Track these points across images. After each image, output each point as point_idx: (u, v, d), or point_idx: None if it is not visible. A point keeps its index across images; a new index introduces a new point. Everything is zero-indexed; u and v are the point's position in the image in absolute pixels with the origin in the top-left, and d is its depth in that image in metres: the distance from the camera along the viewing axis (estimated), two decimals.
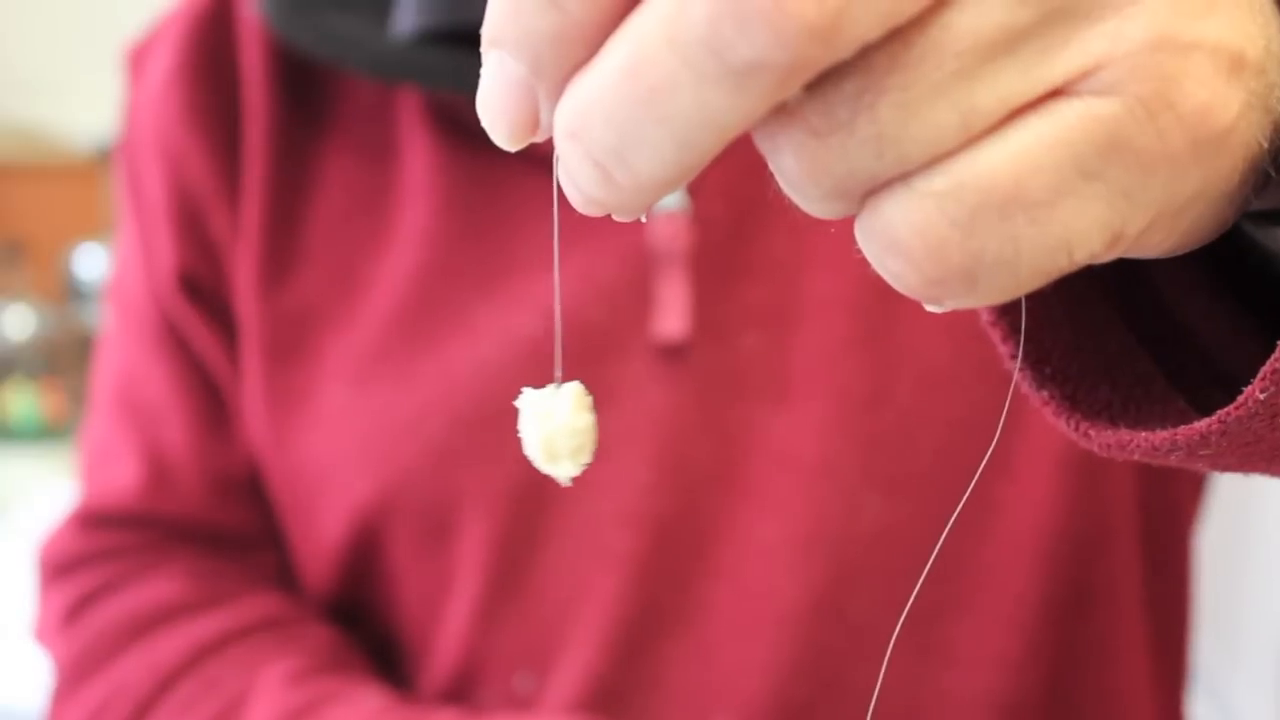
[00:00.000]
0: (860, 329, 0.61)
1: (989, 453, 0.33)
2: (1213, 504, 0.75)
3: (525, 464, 0.29)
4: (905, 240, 0.24)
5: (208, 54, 0.68)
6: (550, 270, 0.62)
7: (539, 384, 0.64)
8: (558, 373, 0.29)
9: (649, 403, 0.62)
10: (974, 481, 0.34)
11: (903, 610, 0.61)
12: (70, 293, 2.32)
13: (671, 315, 0.61)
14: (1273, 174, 0.27)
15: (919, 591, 0.61)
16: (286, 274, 0.67)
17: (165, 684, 0.64)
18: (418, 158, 0.65)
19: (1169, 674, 0.69)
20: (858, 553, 0.61)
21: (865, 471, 0.61)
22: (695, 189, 0.62)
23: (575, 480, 0.28)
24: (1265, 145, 0.26)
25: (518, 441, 0.68)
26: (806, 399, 0.61)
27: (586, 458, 0.28)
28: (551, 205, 0.26)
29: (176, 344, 0.70)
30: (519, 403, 0.28)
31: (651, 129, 0.23)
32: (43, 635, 0.70)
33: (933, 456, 0.61)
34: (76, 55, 2.39)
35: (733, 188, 0.62)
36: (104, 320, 0.76)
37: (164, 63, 0.69)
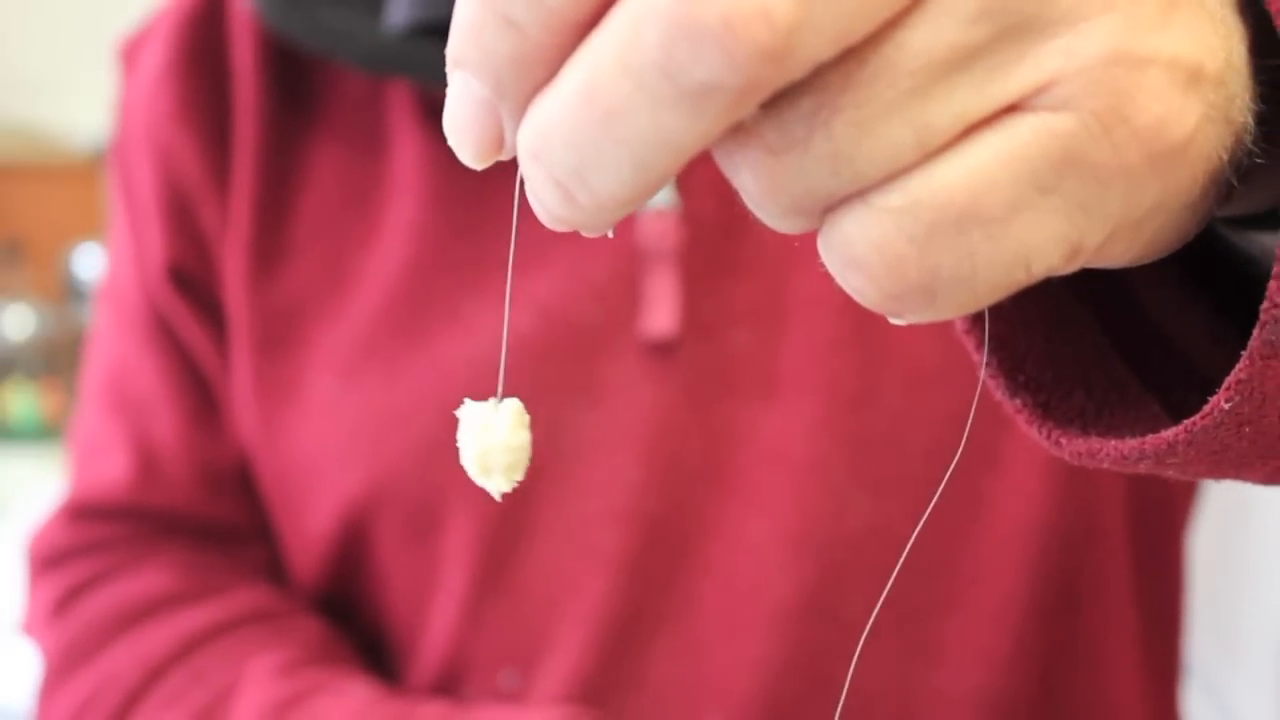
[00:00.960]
0: (849, 327, 0.61)
1: (961, 449, 0.33)
2: (1210, 500, 0.75)
3: None
4: (863, 256, 0.24)
5: (199, 48, 0.68)
6: (539, 266, 0.62)
7: (528, 378, 0.64)
8: (500, 388, 0.29)
9: (638, 400, 0.62)
10: (948, 474, 0.33)
11: (892, 608, 0.61)
12: (70, 292, 2.33)
13: (661, 313, 0.61)
14: (1235, 184, 0.27)
15: (907, 589, 0.61)
16: (276, 267, 0.67)
17: (154, 675, 0.64)
18: (408, 151, 0.65)
19: (1161, 671, 0.69)
20: (846, 551, 0.61)
21: (854, 470, 0.61)
22: (685, 187, 0.62)
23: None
24: (1226, 157, 0.26)
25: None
26: (795, 397, 0.61)
27: (519, 475, 0.29)
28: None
29: (166, 337, 0.70)
30: (459, 413, 0.29)
31: (609, 150, 0.23)
32: (31, 627, 0.70)
33: (921, 455, 0.61)
34: (76, 55, 2.39)
35: (722, 186, 0.61)
36: (95, 313, 0.76)
37: (156, 58, 0.69)
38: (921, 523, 0.33)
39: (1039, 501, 0.61)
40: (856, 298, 0.25)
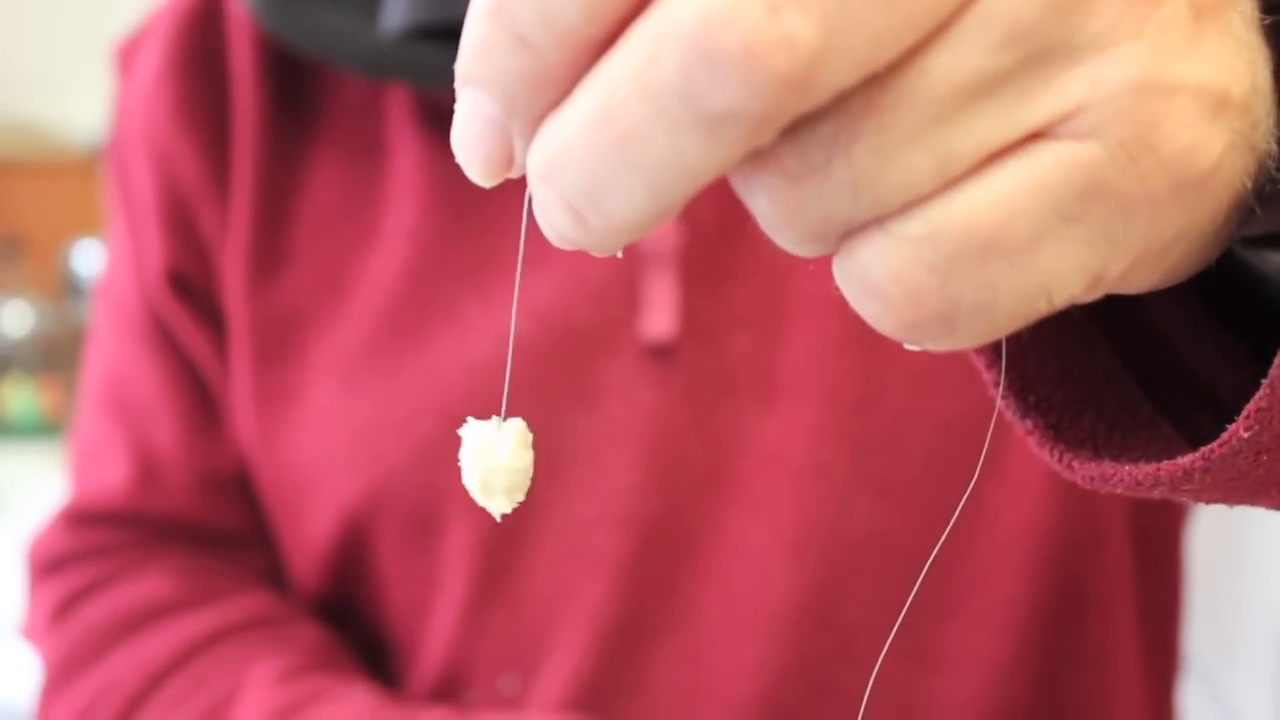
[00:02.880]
0: (849, 331, 0.60)
1: (975, 474, 0.32)
2: None
3: None
4: (882, 285, 0.24)
5: (197, 51, 0.68)
6: (538, 269, 0.62)
7: (527, 383, 0.64)
8: (504, 407, 0.29)
9: (637, 403, 0.61)
10: (964, 497, 0.33)
11: (892, 613, 0.61)
12: (68, 289, 2.33)
13: (660, 315, 0.61)
14: (1258, 210, 0.26)
15: (907, 594, 0.61)
16: (275, 272, 0.66)
17: (154, 682, 0.64)
18: (406, 155, 0.65)
19: (1161, 672, 0.69)
20: (847, 555, 0.61)
21: (854, 474, 0.61)
22: None
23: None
24: (1249, 183, 0.26)
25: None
26: (795, 401, 0.61)
27: (521, 496, 0.29)
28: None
29: (165, 342, 0.70)
30: (462, 432, 0.29)
31: (624, 175, 0.23)
32: (31, 633, 0.70)
33: (922, 459, 0.61)
34: (75, 52, 2.39)
35: (722, 189, 0.61)
36: (92, 318, 0.76)
37: (153, 60, 0.69)
38: (940, 542, 0.33)
39: (1040, 505, 0.61)
40: (873, 324, 0.25)
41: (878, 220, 0.24)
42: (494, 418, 0.29)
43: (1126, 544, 0.65)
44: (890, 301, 0.24)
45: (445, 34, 0.61)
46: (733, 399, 0.61)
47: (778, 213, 0.24)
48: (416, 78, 0.62)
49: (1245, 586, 1.32)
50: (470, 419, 0.29)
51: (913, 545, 0.60)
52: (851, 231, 0.24)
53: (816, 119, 0.23)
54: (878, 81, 0.23)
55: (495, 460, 0.28)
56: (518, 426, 0.29)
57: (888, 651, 0.61)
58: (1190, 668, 0.83)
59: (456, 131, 0.25)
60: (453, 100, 0.69)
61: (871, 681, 0.41)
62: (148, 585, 0.68)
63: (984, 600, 0.62)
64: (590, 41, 0.23)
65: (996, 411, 0.32)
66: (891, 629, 0.61)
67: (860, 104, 0.23)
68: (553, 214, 0.24)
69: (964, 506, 0.60)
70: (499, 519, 0.29)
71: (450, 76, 0.66)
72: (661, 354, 0.62)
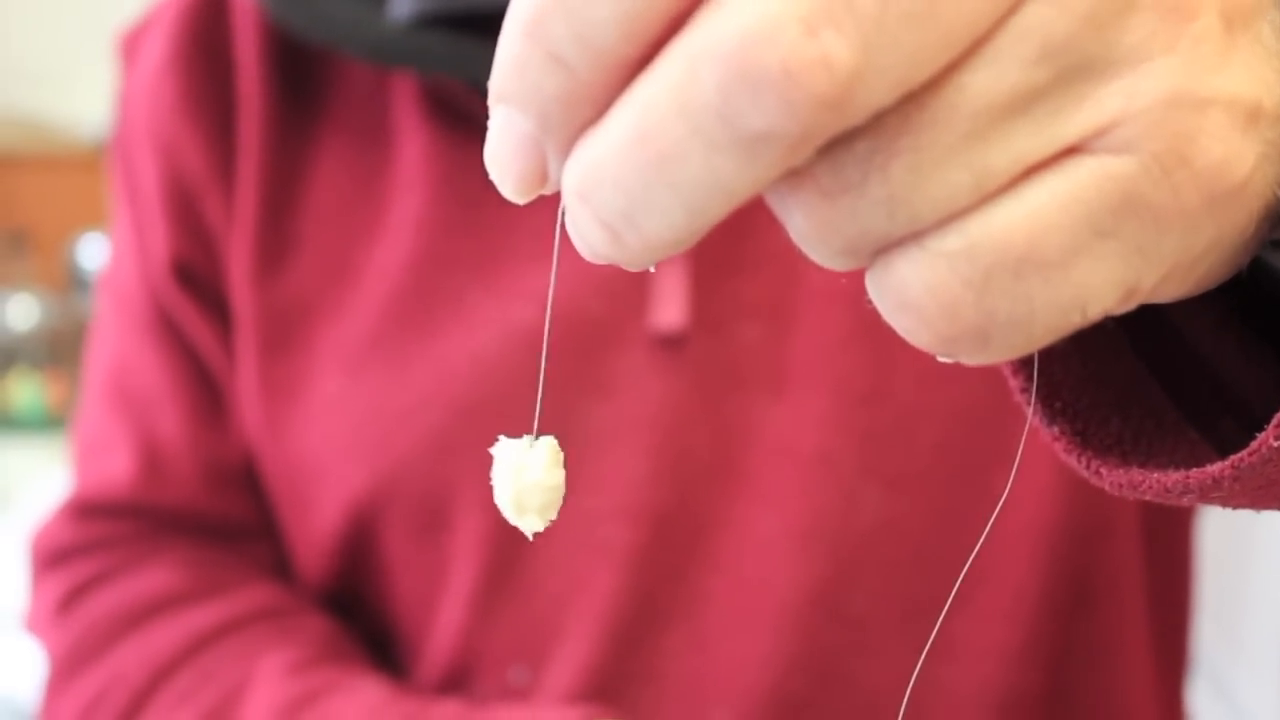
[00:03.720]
0: (859, 322, 0.60)
1: (1010, 481, 0.32)
2: None
3: None
4: (918, 299, 0.24)
5: (201, 41, 0.68)
6: (548, 261, 0.62)
7: (534, 374, 0.63)
8: (535, 424, 0.29)
9: (646, 394, 0.61)
10: (998, 508, 0.33)
11: (902, 603, 0.61)
12: (74, 282, 2.33)
13: (669, 306, 0.61)
14: None
15: (918, 585, 0.61)
16: (281, 262, 0.66)
17: (162, 674, 0.64)
18: (413, 144, 0.65)
19: (1170, 666, 0.69)
20: (856, 546, 0.61)
21: (864, 464, 0.61)
22: None
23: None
24: (1279, 193, 0.26)
25: (513, 432, 0.67)
26: (805, 392, 0.61)
27: (553, 514, 0.28)
28: (547, 198, 0.26)
29: (170, 333, 0.69)
30: (494, 451, 0.28)
31: (661, 194, 0.23)
32: (35, 626, 0.70)
33: (931, 450, 0.61)
34: (80, 45, 2.39)
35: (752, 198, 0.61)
36: (97, 309, 0.76)
37: (157, 50, 0.68)
38: (976, 549, 0.33)
39: (1051, 498, 0.61)
40: (907, 338, 0.25)
41: (914, 235, 0.24)
42: (525, 436, 0.29)
43: (1136, 537, 0.65)
44: (926, 316, 0.24)
45: (452, 22, 0.61)
46: (742, 390, 0.61)
47: (813, 229, 0.24)
48: (423, 66, 0.62)
49: (1252, 586, 1.32)
50: (502, 437, 0.28)
51: (921, 536, 0.60)
52: (887, 247, 0.24)
53: (853, 137, 0.23)
54: (914, 99, 0.23)
55: (529, 478, 0.28)
56: (550, 444, 0.28)
57: (897, 643, 0.61)
58: (1198, 666, 0.83)
59: (490, 148, 0.25)
60: (460, 90, 0.68)
61: (913, 679, 0.40)
62: (153, 577, 0.68)
63: (994, 591, 0.62)
64: (626, 61, 0.23)
65: (1030, 418, 0.32)
66: (902, 619, 0.61)
67: (896, 122, 0.23)
68: (588, 232, 0.24)
69: (973, 496, 0.60)
70: (530, 537, 0.28)
71: (457, 65, 0.66)
72: (671, 345, 0.61)
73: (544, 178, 0.25)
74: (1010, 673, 0.62)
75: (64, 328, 2.20)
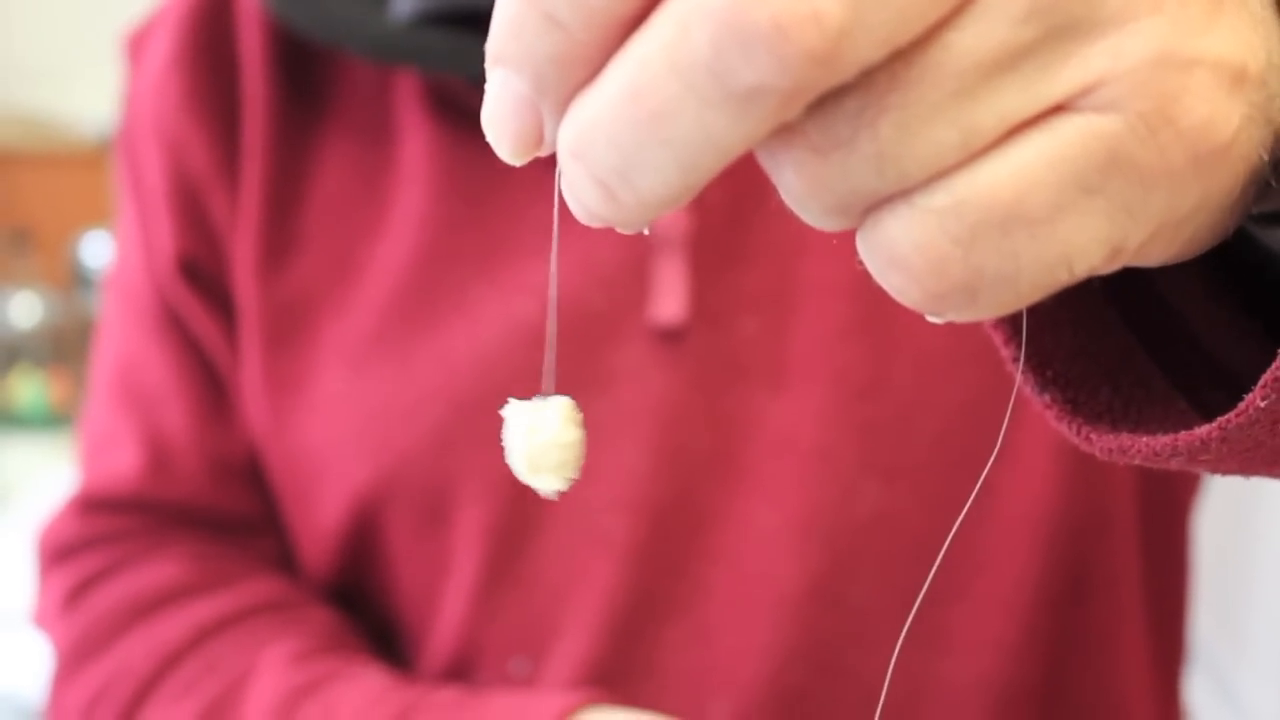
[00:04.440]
0: (858, 314, 0.61)
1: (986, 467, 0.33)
2: (1216, 486, 0.75)
3: None
4: (906, 256, 0.24)
5: (206, 40, 0.68)
6: (548, 253, 0.62)
7: (537, 368, 0.64)
8: (546, 384, 0.29)
9: (646, 387, 0.62)
10: (979, 483, 0.33)
11: (900, 595, 0.61)
12: (77, 280, 2.33)
13: (669, 300, 0.61)
14: (1273, 183, 0.27)
15: (915, 577, 0.61)
16: (285, 259, 0.67)
17: (167, 664, 0.65)
18: (416, 141, 0.65)
19: (1167, 658, 0.69)
20: (855, 538, 0.61)
21: (863, 457, 0.61)
22: None
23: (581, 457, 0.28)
24: (1265, 156, 0.26)
25: None
26: (804, 384, 0.61)
27: (572, 473, 0.28)
28: (550, 193, 0.26)
29: (176, 329, 0.70)
30: (505, 412, 0.28)
31: (654, 151, 0.23)
32: (43, 619, 0.70)
33: (930, 442, 0.61)
34: (83, 43, 2.39)
35: (732, 172, 0.62)
36: (103, 306, 0.76)
37: (163, 49, 0.69)
38: (954, 528, 0.33)
39: (1049, 489, 0.61)
40: (897, 296, 0.25)
41: (902, 193, 0.24)
42: (535, 396, 0.28)
43: (1133, 529, 0.65)
44: (915, 272, 0.24)
45: (453, 20, 0.61)
46: (742, 383, 0.62)
47: (804, 186, 0.24)
48: (425, 64, 0.62)
49: (1252, 580, 1.32)
50: (511, 399, 0.29)
51: (920, 528, 0.61)
52: (876, 205, 0.24)
53: (842, 94, 0.23)
54: (902, 57, 0.23)
55: (542, 436, 0.28)
56: (564, 401, 0.28)
57: (896, 634, 0.61)
58: (1197, 661, 0.83)
59: (487, 110, 0.26)
60: (462, 87, 0.69)
61: (891, 667, 0.41)
62: (159, 571, 0.68)
63: (991, 583, 0.62)
64: (620, 20, 0.23)
65: (1015, 390, 0.33)
66: (900, 611, 0.61)
67: (885, 79, 0.23)
68: (583, 190, 0.24)
69: (973, 490, 0.61)
70: (554, 497, 0.28)
71: (459, 63, 0.66)
72: (671, 338, 0.62)
73: (540, 138, 0.25)
74: (1007, 664, 0.62)
75: (67, 325, 2.20)
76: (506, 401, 0.28)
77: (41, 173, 2.44)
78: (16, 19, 2.49)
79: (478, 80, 0.26)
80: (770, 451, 0.61)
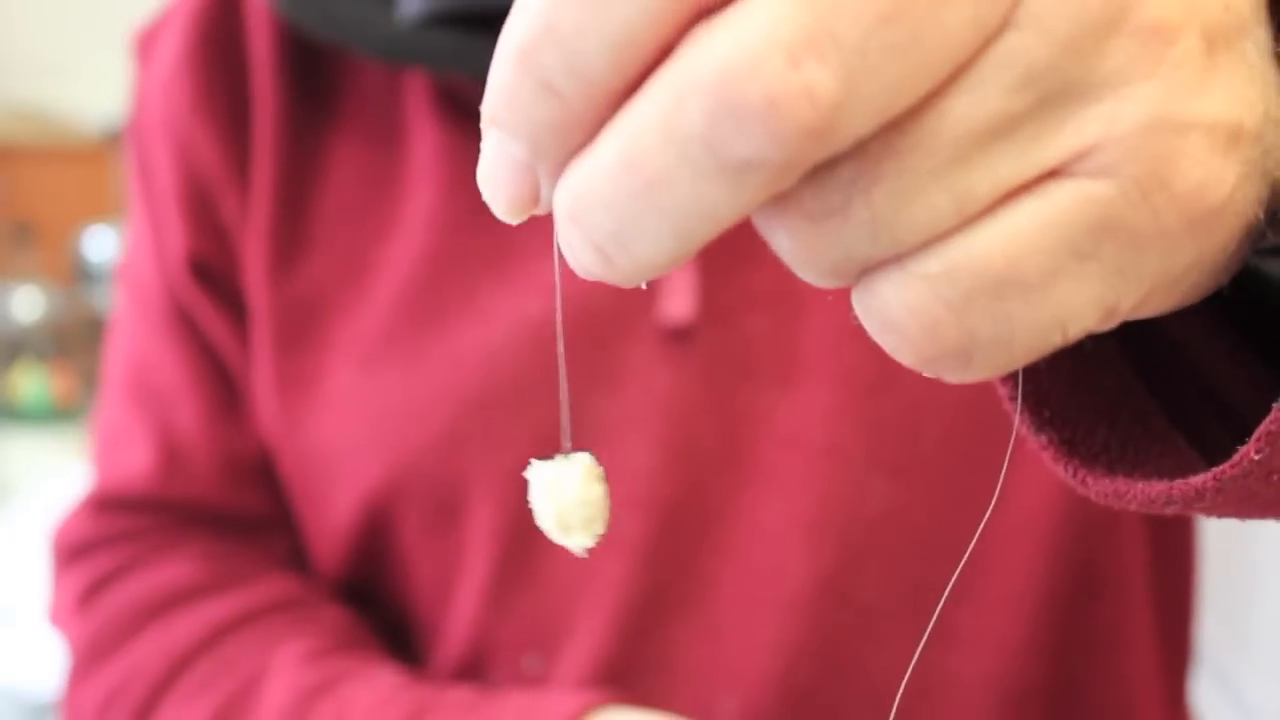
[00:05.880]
0: None
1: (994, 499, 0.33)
2: None
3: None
4: (900, 320, 0.24)
5: (216, 39, 0.68)
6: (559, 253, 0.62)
7: (547, 367, 0.64)
8: (565, 444, 0.29)
9: (655, 385, 0.62)
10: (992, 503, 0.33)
11: (908, 592, 0.62)
12: (79, 274, 2.33)
13: (678, 298, 0.62)
14: (1269, 234, 0.27)
15: (923, 574, 0.61)
16: (296, 259, 0.67)
17: (181, 664, 0.65)
18: (425, 142, 0.65)
19: (1174, 658, 0.70)
20: (863, 535, 0.61)
21: (871, 455, 0.61)
22: None
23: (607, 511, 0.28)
24: (1261, 214, 0.26)
25: (526, 425, 0.67)
26: (813, 382, 0.61)
27: (600, 528, 0.28)
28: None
29: (188, 328, 0.70)
30: (528, 474, 0.29)
31: (649, 219, 0.23)
32: (57, 618, 0.71)
33: (938, 439, 0.61)
34: (84, 37, 2.39)
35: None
36: (115, 305, 0.76)
37: (172, 48, 0.69)
38: (978, 533, 0.33)
39: (1056, 490, 0.61)
40: (893, 356, 0.25)
41: (896, 258, 0.24)
42: (558, 455, 0.29)
43: (1139, 529, 0.65)
44: (908, 336, 0.25)
45: (461, 21, 0.61)
46: (751, 381, 0.62)
47: (799, 252, 0.25)
48: (434, 64, 0.62)
49: (1258, 584, 1.32)
50: (533, 460, 0.29)
51: (928, 525, 0.61)
52: (870, 268, 0.25)
53: (836, 162, 0.23)
54: (896, 126, 0.23)
55: (565, 496, 0.28)
56: (585, 460, 0.28)
57: (905, 631, 0.62)
58: (1203, 663, 0.83)
59: (483, 170, 0.26)
60: (471, 87, 0.69)
61: (911, 667, 0.41)
62: (173, 570, 0.68)
63: (999, 581, 0.62)
64: (615, 90, 0.23)
65: (1015, 431, 0.33)
66: (909, 608, 0.61)
67: (879, 148, 0.23)
68: (579, 252, 0.25)
69: (979, 487, 0.61)
70: (583, 555, 0.28)
71: (468, 63, 0.66)
72: (680, 336, 0.62)
73: (536, 199, 0.26)
74: (1015, 662, 0.63)
75: (69, 320, 2.20)
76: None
77: (44, 167, 2.44)
78: (19, 14, 2.49)
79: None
80: (779, 449, 0.62)
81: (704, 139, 0.22)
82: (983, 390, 0.61)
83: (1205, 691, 1.06)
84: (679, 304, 0.62)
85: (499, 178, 0.26)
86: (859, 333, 0.63)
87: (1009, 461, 0.61)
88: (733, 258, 0.62)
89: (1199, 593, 0.72)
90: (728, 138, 0.22)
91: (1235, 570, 1.32)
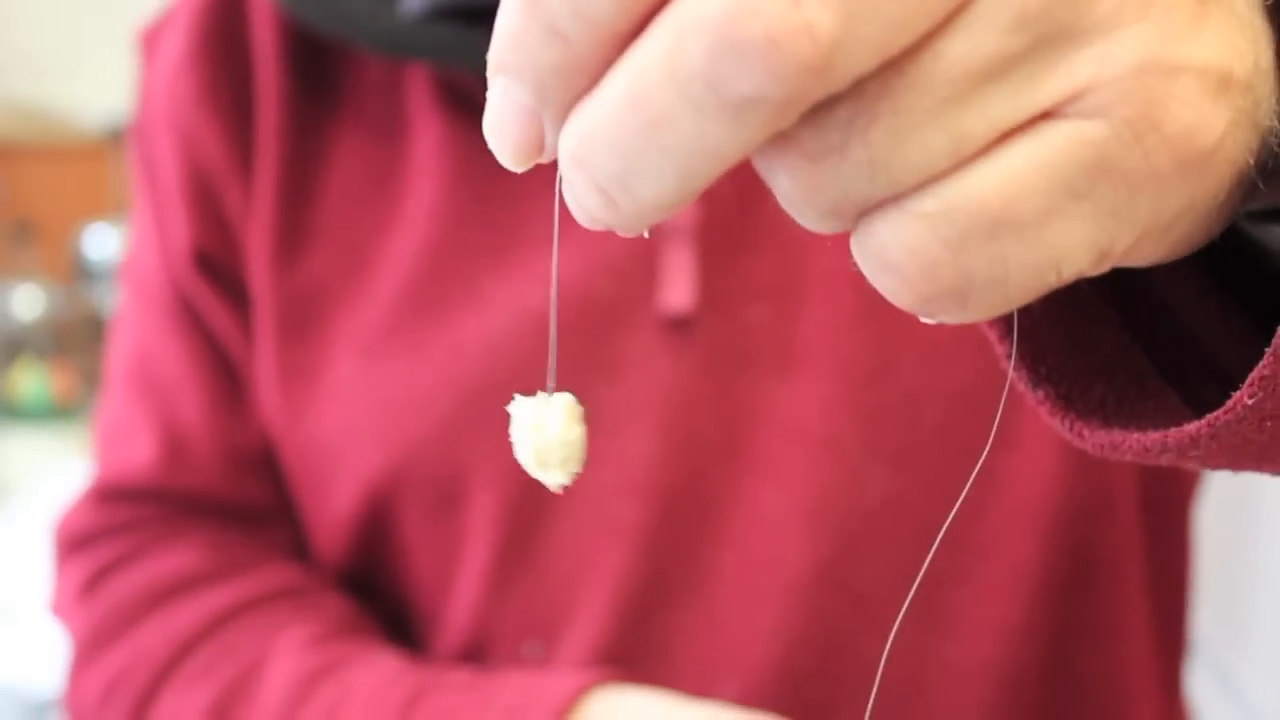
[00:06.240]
0: (865, 303, 0.61)
1: (990, 440, 0.33)
2: (1217, 478, 0.75)
3: None
4: (898, 260, 0.25)
5: (220, 34, 0.69)
6: (561, 243, 0.63)
7: (547, 357, 0.64)
8: (550, 382, 0.30)
9: (655, 375, 0.62)
10: (979, 464, 0.34)
11: (904, 578, 0.62)
12: (79, 273, 2.33)
13: (677, 288, 0.62)
14: (1261, 185, 0.27)
15: (919, 561, 0.62)
16: (299, 251, 0.67)
17: (183, 650, 0.65)
18: (427, 135, 0.66)
19: (1170, 645, 0.70)
20: (862, 523, 0.62)
21: (869, 444, 0.62)
22: None
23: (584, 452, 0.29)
24: (1252, 160, 0.27)
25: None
26: (811, 372, 0.62)
27: (576, 467, 0.29)
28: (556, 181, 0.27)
29: (191, 321, 0.71)
30: (510, 409, 0.29)
31: (653, 158, 0.24)
32: (60, 608, 0.71)
33: (935, 429, 0.61)
34: (85, 36, 2.39)
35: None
36: (119, 298, 0.77)
37: (177, 44, 0.70)
38: (953, 512, 0.34)
39: (1052, 476, 0.62)
40: (889, 298, 0.26)
41: (894, 198, 0.25)
42: (540, 392, 0.29)
43: (1136, 515, 0.65)
44: (906, 276, 0.25)
45: (464, 15, 0.62)
46: (750, 370, 0.62)
47: (798, 192, 0.25)
48: (437, 58, 0.63)
49: (1254, 574, 1.33)
50: (517, 395, 0.29)
51: (925, 513, 0.61)
52: (869, 209, 0.25)
53: (834, 102, 0.24)
54: (894, 66, 0.24)
55: (547, 434, 0.29)
56: (567, 399, 0.29)
57: (901, 617, 0.62)
58: (1200, 654, 0.83)
59: (489, 118, 0.26)
60: (473, 81, 0.69)
61: (888, 647, 0.41)
62: (175, 559, 0.69)
63: (995, 568, 0.62)
64: (620, 32, 0.24)
65: (1008, 383, 0.33)
66: (903, 593, 0.61)
67: (876, 87, 0.24)
68: (584, 196, 0.25)
69: (975, 476, 0.61)
70: (558, 490, 0.29)
71: (470, 57, 0.66)
72: (680, 326, 0.62)
73: (541, 146, 0.26)
74: (1010, 648, 0.63)
75: (69, 318, 2.21)
76: (517, 391, 0.29)
77: (44, 165, 2.44)
78: (19, 12, 2.49)
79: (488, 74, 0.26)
80: (778, 438, 0.62)
81: (706, 77, 0.23)
82: (979, 380, 0.61)
83: (1202, 684, 1.07)
84: (679, 294, 0.62)
85: (505, 124, 0.26)
86: (858, 323, 0.64)
87: (1006, 447, 0.61)
88: (732, 248, 0.63)
89: (1195, 582, 0.72)
90: (729, 75, 0.22)
91: (1233, 564, 1.33)
